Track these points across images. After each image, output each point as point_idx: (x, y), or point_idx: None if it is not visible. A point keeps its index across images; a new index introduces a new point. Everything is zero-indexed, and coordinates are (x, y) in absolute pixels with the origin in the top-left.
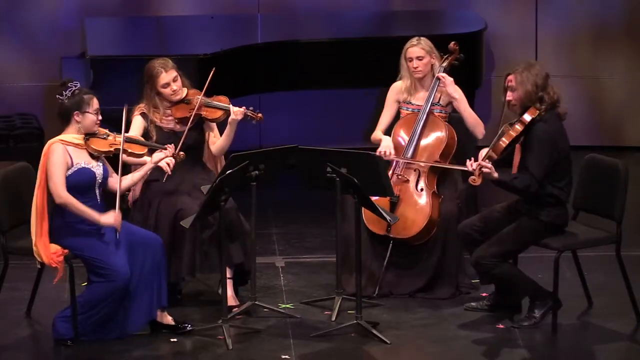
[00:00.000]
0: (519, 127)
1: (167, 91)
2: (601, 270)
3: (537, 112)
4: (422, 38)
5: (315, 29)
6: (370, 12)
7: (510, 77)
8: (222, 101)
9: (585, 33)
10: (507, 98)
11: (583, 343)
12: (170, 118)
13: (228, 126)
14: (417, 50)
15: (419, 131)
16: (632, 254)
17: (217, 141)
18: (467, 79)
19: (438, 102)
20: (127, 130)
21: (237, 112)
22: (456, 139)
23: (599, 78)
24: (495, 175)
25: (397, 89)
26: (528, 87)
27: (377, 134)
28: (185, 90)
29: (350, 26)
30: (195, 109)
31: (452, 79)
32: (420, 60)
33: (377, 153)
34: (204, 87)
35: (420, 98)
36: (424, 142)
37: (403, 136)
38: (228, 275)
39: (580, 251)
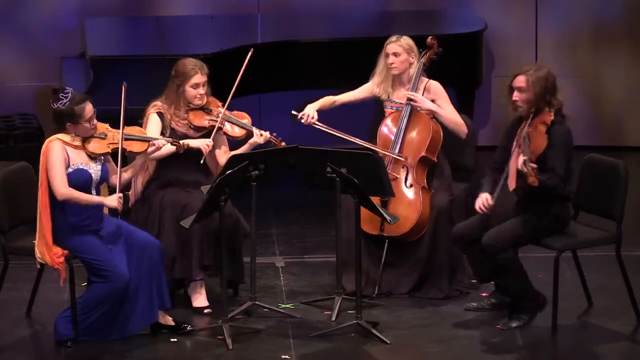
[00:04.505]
0: (543, 129)
1: (194, 92)
2: (601, 270)
3: (552, 114)
4: (403, 37)
5: (315, 29)
6: (370, 12)
7: (520, 78)
8: (244, 118)
9: (585, 33)
10: (514, 98)
11: (583, 343)
12: (185, 122)
13: (246, 146)
14: (394, 46)
15: (404, 127)
16: (632, 254)
17: (228, 154)
18: (467, 79)
19: None
20: (132, 126)
21: (261, 137)
22: (442, 133)
23: (599, 78)
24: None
25: (372, 87)
26: (538, 90)
27: (325, 98)
28: (206, 98)
29: (350, 26)
30: (218, 122)
31: (422, 97)
32: (397, 56)
33: (299, 115)
34: (227, 99)
35: (401, 97)
36: (409, 137)
37: (389, 133)
38: (199, 277)
39: (580, 251)
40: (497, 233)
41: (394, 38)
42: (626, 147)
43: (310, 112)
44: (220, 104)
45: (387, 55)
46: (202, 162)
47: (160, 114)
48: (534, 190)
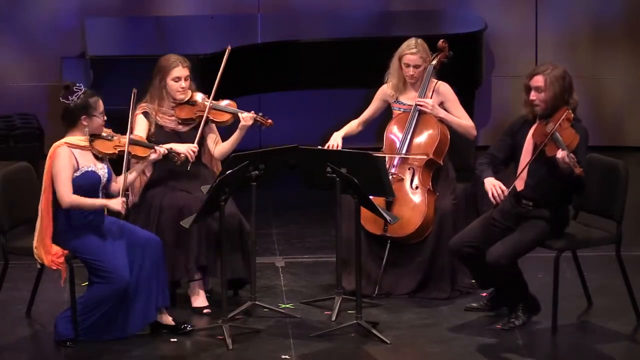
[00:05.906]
0: (567, 125)
1: (175, 86)
2: (601, 270)
3: (571, 112)
4: (419, 42)
5: (315, 29)
6: (370, 12)
7: (537, 78)
8: (230, 105)
9: (585, 33)
10: (531, 98)
11: (583, 343)
12: (172, 118)
13: (237, 132)
14: (416, 58)
15: (411, 129)
16: (632, 254)
17: (219, 145)
18: (467, 78)
19: None
20: (131, 129)
21: (246, 118)
22: (449, 136)
23: (599, 78)
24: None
25: (384, 91)
26: (557, 89)
27: (350, 124)
28: (190, 93)
29: (350, 26)
30: (206, 111)
31: (432, 104)
32: (417, 68)
33: (326, 147)
34: (213, 89)
35: (411, 98)
36: (417, 139)
37: (396, 134)
38: (197, 277)
39: (580, 251)
40: (506, 252)
41: (413, 48)
42: (626, 147)
43: (338, 142)
44: (205, 96)
45: (406, 66)
46: (188, 168)
47: (145, 114)
48: (551, 189)
